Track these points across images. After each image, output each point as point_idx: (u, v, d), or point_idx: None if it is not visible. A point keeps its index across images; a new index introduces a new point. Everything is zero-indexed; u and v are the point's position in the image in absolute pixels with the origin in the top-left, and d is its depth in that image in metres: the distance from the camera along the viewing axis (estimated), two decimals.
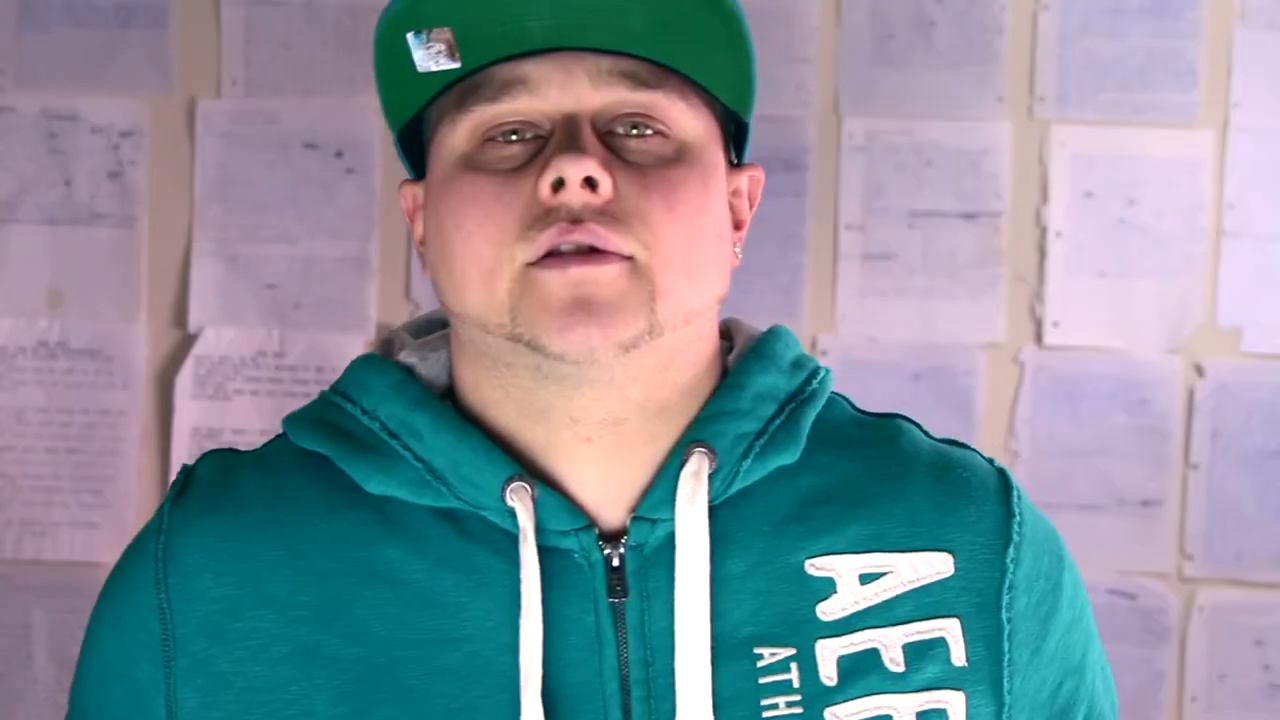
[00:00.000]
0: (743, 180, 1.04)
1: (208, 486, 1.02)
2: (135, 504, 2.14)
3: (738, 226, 1.03)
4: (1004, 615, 1.01)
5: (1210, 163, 2.14)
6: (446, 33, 0.94)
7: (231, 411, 2.13)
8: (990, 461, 1.07)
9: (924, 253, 2.15)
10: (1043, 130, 2.15)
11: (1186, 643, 2.14)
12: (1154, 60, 2.15)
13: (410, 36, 0.95)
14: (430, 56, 0.95)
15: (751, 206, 1.05)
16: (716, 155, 0.99)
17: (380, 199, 2.14)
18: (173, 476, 2.13)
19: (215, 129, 2.15)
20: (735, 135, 1.03)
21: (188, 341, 2.15)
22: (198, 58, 2.15)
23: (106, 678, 1.02)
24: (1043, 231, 2.15)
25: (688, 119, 0.96)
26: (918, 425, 1.08)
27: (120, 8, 2.15)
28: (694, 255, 0.95)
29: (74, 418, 2.15)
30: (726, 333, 1.06)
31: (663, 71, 0.95)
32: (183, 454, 2.13)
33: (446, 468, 0.97)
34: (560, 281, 0.91)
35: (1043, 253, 2.15)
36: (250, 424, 2.13)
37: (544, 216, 0.92)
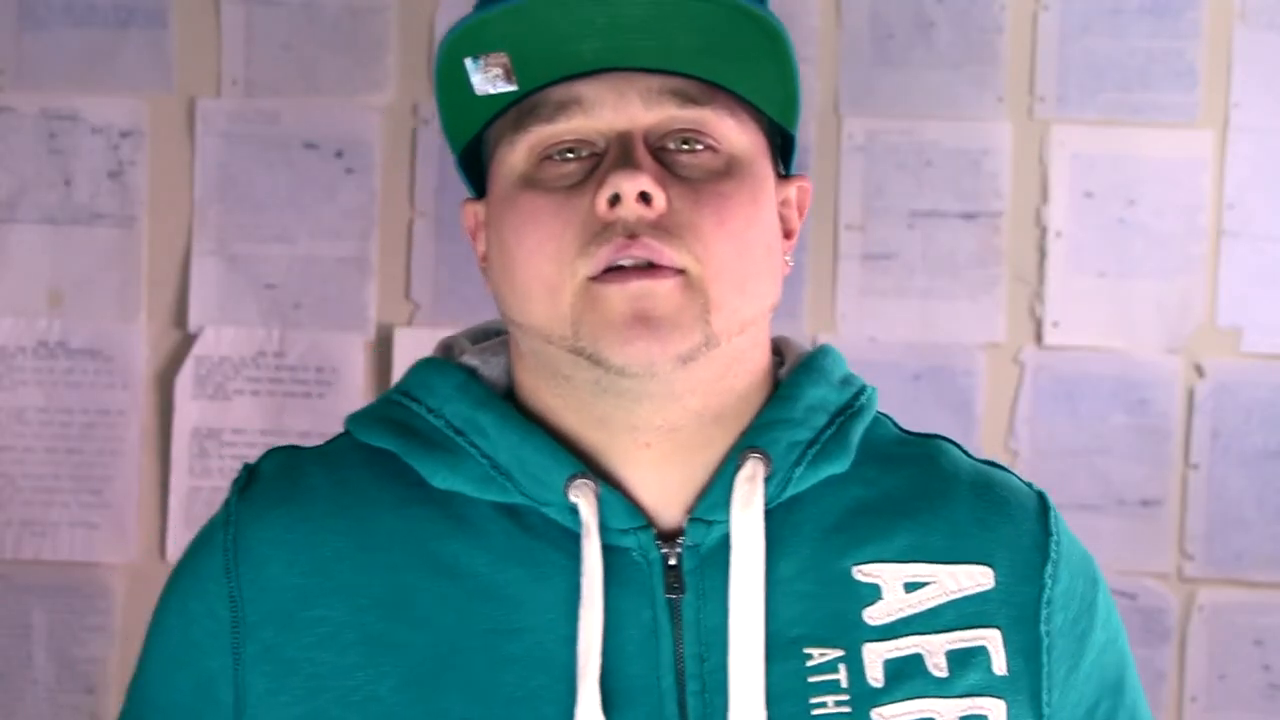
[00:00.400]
0: (791, 190, 1.08)
1: (275, 481, 1.07)
2: (135, 504, 2.14)
3: (788, 235, 1.07)
4: (1042, 629, 1.05)
5: (1210, 163, 2.14)
6: (503, 57, 0.98)
7: (231, 411, 2.13)
8: (1029, 485, 1.12)
9: (924, 253, 2.15)
10: (1043, 130, 2.15)
11: (1186, 643, 2.14)
12: (1154, 60, 2.15)
13: (468, 61, 0.98)
14: (488, 80, 0.99)
15: (801, 216, 1.09)
16: (765, 168, 1.03)
17: (380, 199, 2.14)
18: (173, 476, 2.14)
19: (215, 129, 2.15)
20: (783, 147, 1.07)
21: (188, 341, 2.15)
22: (198, 58, 2.15)
23: (173, 668, 1.04)
24: (1043, 231, 2.15)
25: (736, 133, 1.00)
26: (959, 446, 1.13)
27: (120, 8, 2.15)
28: (745, 266, 0.99)
29: (74, 418, 2.15)
30: (777, 349, 1.10)
31: (711, 88, 0.99)
32: (183, 454, 2.13)
33: (511, 464, 1.01)
34: (620, 295, 0.95)
35: (1043, 253, 2.15)
36: (250, 424, 2.13)
37: (602, 231, 0.96)
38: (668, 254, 0.95)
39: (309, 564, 1.02)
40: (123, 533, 2.14)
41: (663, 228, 0.96)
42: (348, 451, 1.06)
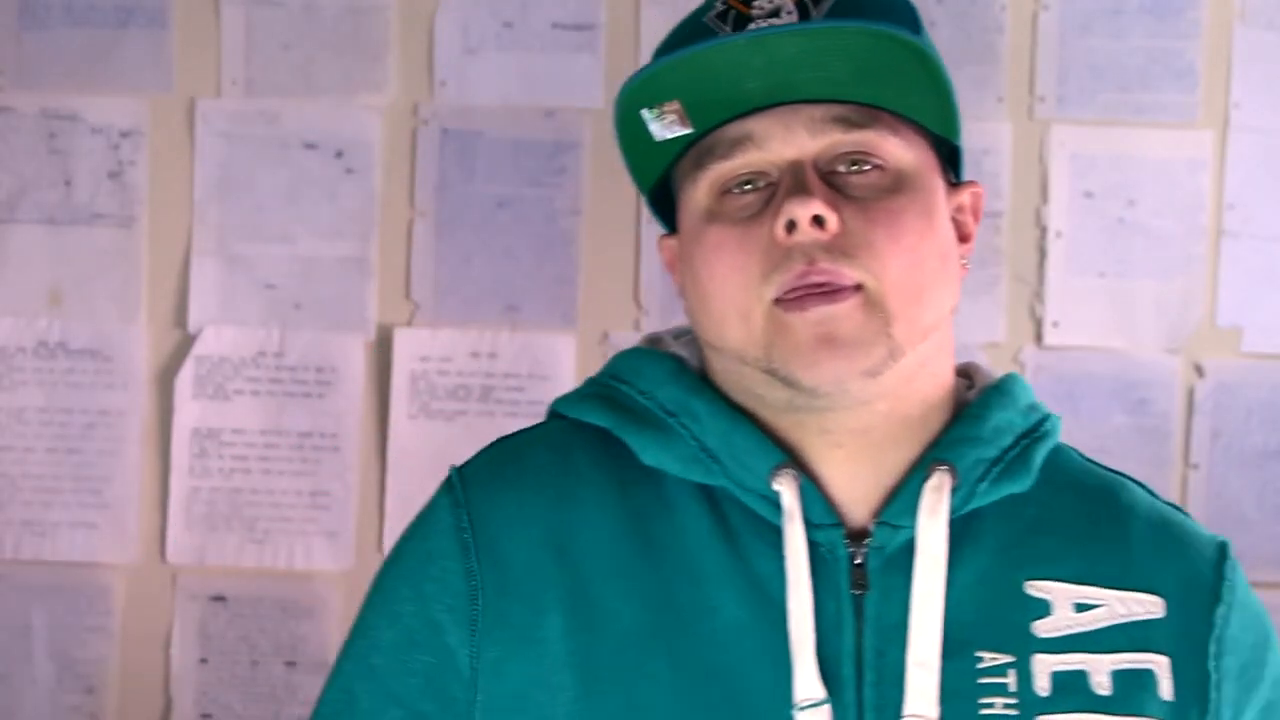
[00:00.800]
0: (964, 197, 1.13)
1: (497, 466, 1.14)
2: (135, 504, 2.14)
3: (965, 239, 1.13)
4: (1211, 665, 1.09)
5: (1210, 163, 2.14)
6: (676, 105, 1.06)
7: (231, 411, 2.13)
8: (1211, 534, 1.17)
9: None
10: (1043, 130, 2.15)
11: None
12: (1154, 60, 2.15)
13: (644, 112, 1.07)
14: (665, 127, 1.07)
15: (975, 220, 1.14)
16: (933, 179, 1.08)
17: (380, 199, 2.14)
18: (173, 476, 2.14)
19: (215, 129, 2.15)
20: (951, 157, 1.12)
21: (188, 341, 2.15)
22: (198, 58, 2.15)
23: (408, 649, 1.10)
24: (1043, 231, 2.15)
25: (900, 151, 1.06)
26: (1144, 486, 1.18)
27: (120, 8, 2.15)
28: (920, 276, 1.04)
29: (74, 418, 2.15)
30: (967, 373, 1.16)
31: (872, 110, 1.05)
32: (183, 454, 2.13)
33: (720, 448, 1.07)
34: (803, 322, 1.02)
35: (1043, 253, 2.15)
36: (250, 424, 2.13)
37: (782, 259, 1.02)
38: (845, 274, 1.02)
39: (539, 537, 1.08)
40: (123, 533, 2.14)
41: (838, 248, 1.02)
42: (560, 433, 1.14)
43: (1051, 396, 2.15)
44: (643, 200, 1.17)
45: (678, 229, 1.13)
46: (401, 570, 1.13)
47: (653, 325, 2.12)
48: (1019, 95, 2.15)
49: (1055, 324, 2.15)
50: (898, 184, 1.05)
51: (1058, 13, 2.15)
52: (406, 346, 2.12)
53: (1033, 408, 1.14)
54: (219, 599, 2.14)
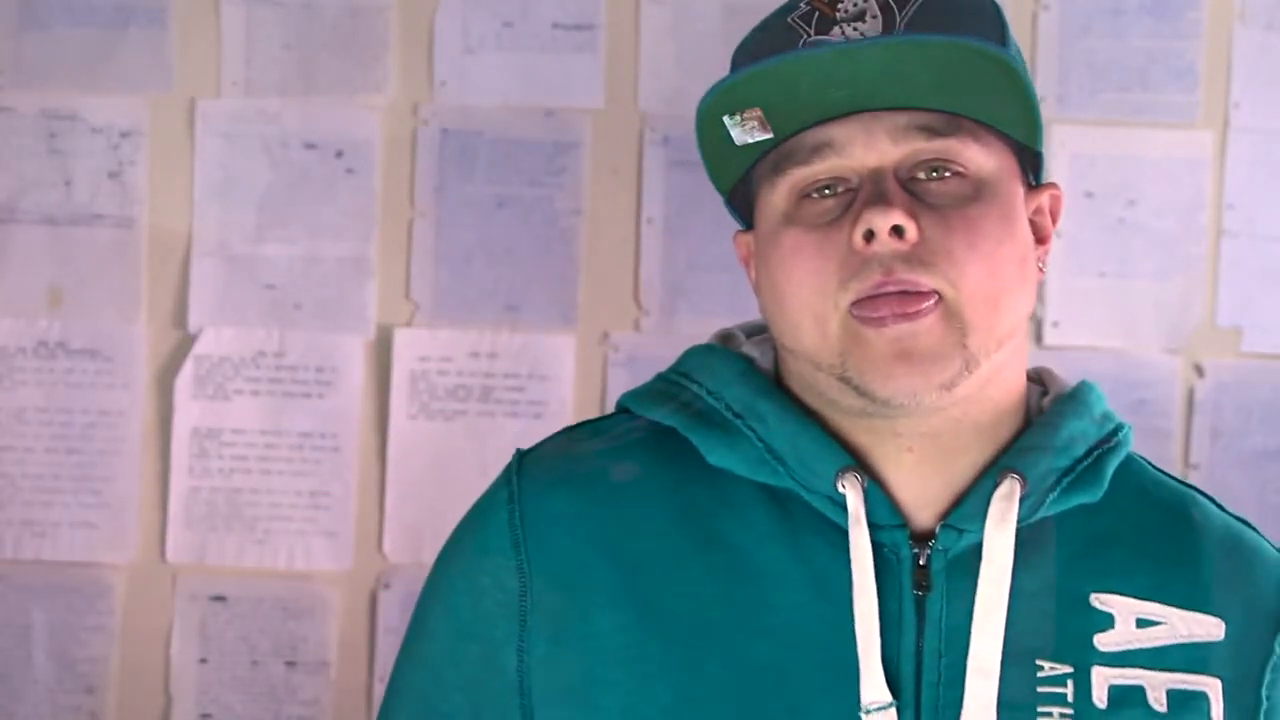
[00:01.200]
0: (1044, 199, 1.14)
1: (555, 459, 1.14)
2: (135, 504, 2.14)
3: (1043, 241, 1.13)
4: (1264, 693, 1.09)
5: (1210, 163, 2.14)
6: (756, 112, 1.05)
7: (231, 411, 2.13)
8: (1278, 551, 1.16)
9: None
10: (1042, 130, 2.15)
11: None
12: (1154, 60, 2.15)
13: (726, 119, 1.06)
14: (746, 132, 1.07)
15: (1054, 221, 1.15)
16: (1013, 185, 1.08)
17: (380, 199, 2.14)
18: (173, 476, 2.14)
19: (215, 129, 2.15)
20: (1033, 159, 1.12)
21: (188, 341, 2.15)
22: (198, 58, 2.15)
23: (462, 641, 1.11)
24: None
25: (982, 157, 1.06)
26: (1212, 499, 1.18)
27: (120, 8, 2.15)
28: (998, 284, 1.04)
29: (74, 418, 2.15)
30: (1040, 379, 1.16)
31: (953, 118, 1.05)
32: (183, 454, 2.13)
33: (786, 451, 1.07)
34: (881, 339, 1.02)
35: None
36: (250, 424, 2.13)
37: (860, 268, 1.02)
38: (923, 282, 1.01)
39: (589, 535, 1.09)
40: (123, 533, 2.14)
41: (916, 257, 1.02)
42: (623, 429, 1.14)
43: None
44: (723, 202, 1.17)
45: (754, 227, 1.13)
46: (455, 564, 1.14)
47: (653, 325, 2.12)
48: None
49: (1055, 324, 2.15)
50: (978, 191, 1.05)
51: (1058, 13, 2.15)
52: (406, 346, 2.12)
53: (1106, 417, 1.14)
54: (219, 599, 2.14)
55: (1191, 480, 2.15)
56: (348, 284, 2.14)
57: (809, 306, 1.04)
